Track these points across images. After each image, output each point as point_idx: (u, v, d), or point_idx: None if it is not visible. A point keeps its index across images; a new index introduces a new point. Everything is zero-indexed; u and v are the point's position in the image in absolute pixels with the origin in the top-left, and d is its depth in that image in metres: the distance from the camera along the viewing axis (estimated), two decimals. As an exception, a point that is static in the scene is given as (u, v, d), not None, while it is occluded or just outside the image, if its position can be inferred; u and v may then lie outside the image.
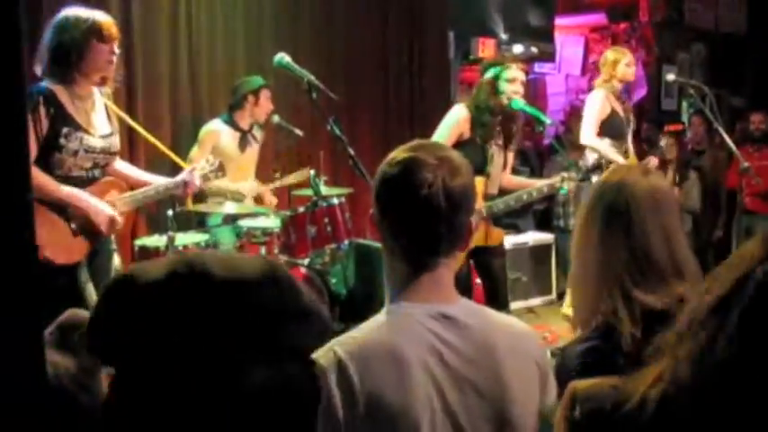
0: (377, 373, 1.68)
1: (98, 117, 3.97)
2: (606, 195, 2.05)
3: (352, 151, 3.55)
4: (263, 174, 6.19)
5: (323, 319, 1.08)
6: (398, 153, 1.84)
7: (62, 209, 3.82)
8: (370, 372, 1.67)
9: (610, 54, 6.52)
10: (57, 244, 3.79)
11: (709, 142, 8.31)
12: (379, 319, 1.81)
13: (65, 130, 3.77)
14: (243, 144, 5.89)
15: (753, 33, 11.10)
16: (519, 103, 4.95)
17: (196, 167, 4.28)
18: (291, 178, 6.01)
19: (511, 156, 5.31)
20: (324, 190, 5.74)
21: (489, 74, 5.00)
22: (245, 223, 5.56)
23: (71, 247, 3.86)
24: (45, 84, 3.78)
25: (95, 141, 3.89)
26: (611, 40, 10.10)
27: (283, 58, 3.95)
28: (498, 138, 5.08)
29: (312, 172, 5.66)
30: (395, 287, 1.85)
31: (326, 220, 5.67)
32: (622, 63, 6.35)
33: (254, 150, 6.02)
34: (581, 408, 1.38)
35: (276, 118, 6.01)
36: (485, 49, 8.02)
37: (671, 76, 6.37)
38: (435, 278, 1.82)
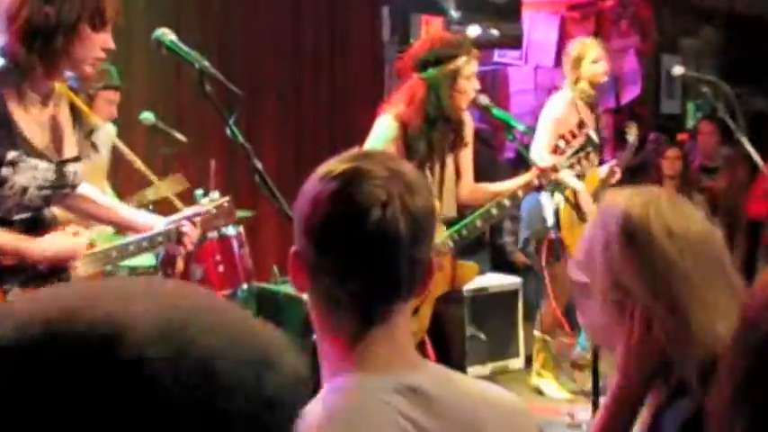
0: None
1: (63, 131, 3.45)
2: None
3: (259, 164, 3.43)
4: (132, 189, 5.91)
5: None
6: (334, 165, 1.78)
7: None
8: None
9: (572, 48, 6.59)
10: None
11: (725, 157, 8.44)
12: (330, 403, 1.74)
13: (12, 155, 3.18)
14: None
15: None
16: (492, 106, 5.04)
17: (200, 211, 3.82)
18: (154, 191, 5.55)
19: (466, 159, 5.23)
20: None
21: (437, 70, 4.85)
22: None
23: None
24: None
25: (53, 171, 3.34)
26: (594, 22, 10.25)
27: (165, 35, 3.68)
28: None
29: (200, 191, 5.53)
30: (337, 349, 1.80)
31: (218, 256, 5.58)
32: (588, 59, 6.43)
33: (97, 162, 5.55)
34: None
35: (150, 117, 5.86)
36: (430, 29, 8.04)
37: (677, 70, 6.37)
38: (392, 334, 1.80)
